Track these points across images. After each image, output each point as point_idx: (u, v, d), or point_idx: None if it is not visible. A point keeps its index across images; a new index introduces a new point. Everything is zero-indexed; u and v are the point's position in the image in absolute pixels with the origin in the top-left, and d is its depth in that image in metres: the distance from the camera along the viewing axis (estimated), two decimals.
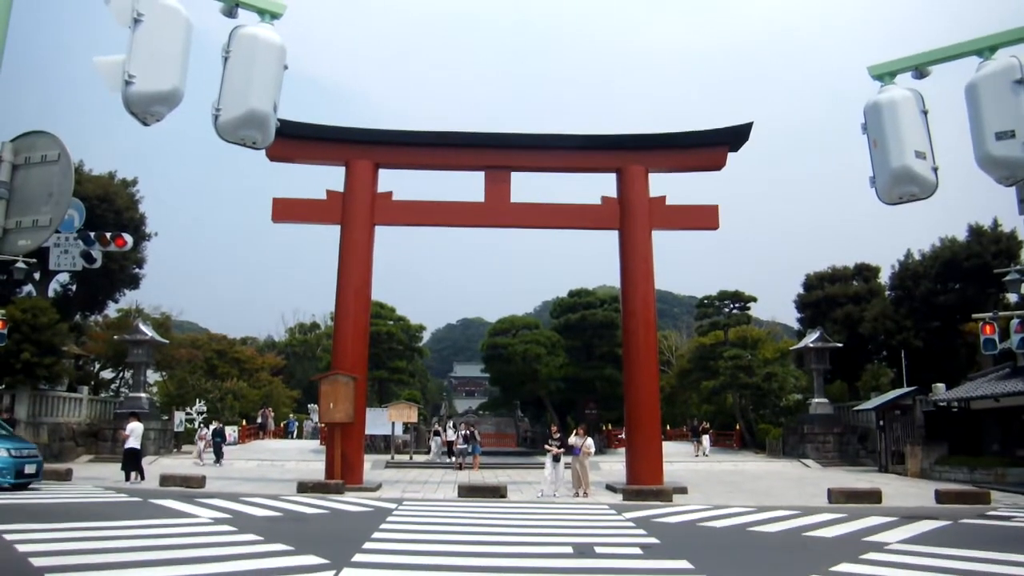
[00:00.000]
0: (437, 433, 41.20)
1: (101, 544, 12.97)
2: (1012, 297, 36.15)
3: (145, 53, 5.19)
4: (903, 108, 5.77)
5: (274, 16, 5.72)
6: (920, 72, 6.03)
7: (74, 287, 46.07)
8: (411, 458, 40.73)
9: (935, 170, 5.71)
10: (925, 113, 5.81)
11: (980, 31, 5.93)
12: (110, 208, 42.12)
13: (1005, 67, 5.48)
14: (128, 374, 48.05)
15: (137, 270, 47.89)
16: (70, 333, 41.96)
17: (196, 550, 12.69)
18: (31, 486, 22.63)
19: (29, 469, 22.49)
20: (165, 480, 25.39)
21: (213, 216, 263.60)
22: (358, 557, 12.29)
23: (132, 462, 27.14)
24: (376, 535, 15.00)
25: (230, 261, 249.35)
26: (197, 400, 47.51)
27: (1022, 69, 5.42)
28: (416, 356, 62.49)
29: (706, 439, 45.88)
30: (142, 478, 26.84)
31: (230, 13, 5.73)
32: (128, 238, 23.12)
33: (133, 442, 27.21)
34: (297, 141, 27.49)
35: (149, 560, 11.61)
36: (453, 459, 38.23)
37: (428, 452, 41.67)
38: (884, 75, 6.01)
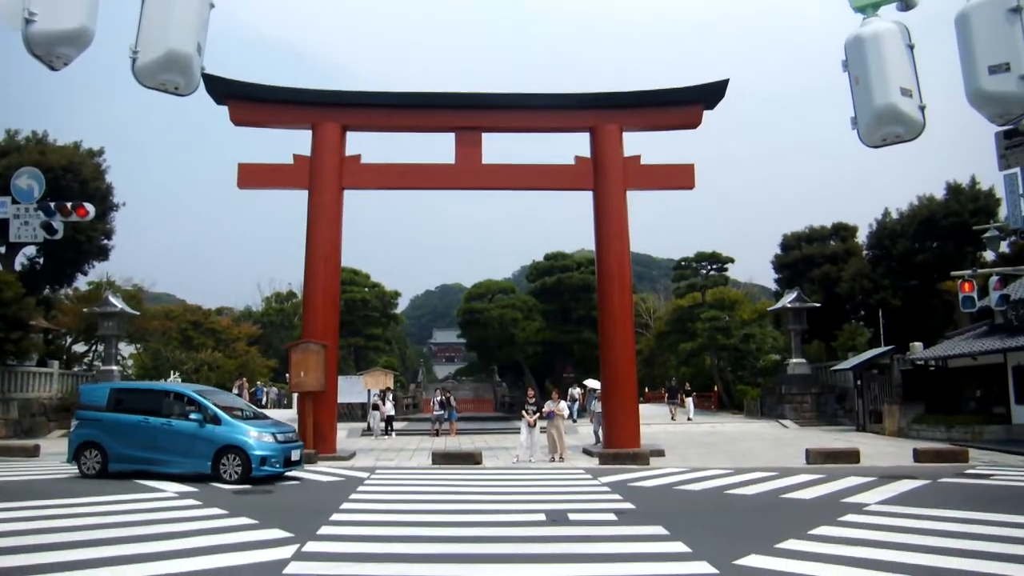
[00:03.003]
0: (376, 407, 36.47)
1: (59, 523, 12.54)
2: (989, 255, 36.08)
3: None
4: (887, 42, 5.32)
5: None
6: (906, 3, 5.59)
7: (41, 260, 45.09)
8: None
9: (922, 109, 5.27)
10: (911, 47, 5.36)
11: None
12: (75, 178, 41.14)
13: None
14: (101, 347, 47.40)
15: (106, 241, 46.93)
16: (38, 307, 41.19)
17: (156, 526, 12.28)
18: (292, 473, 20.18)
19: (295, 455, 19.84)
20: None
21: (187, 186, 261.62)
22: (324, 530, 11.93)
23: None
24: (345, 506, 14.66)
25: (207, 231, 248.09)
26: (172, 372, 46.90)
27: None
28: (392, 323, 62.12)
29: (690, 402, 45.60)
30: None
31: None
32: (90, 208, 22.59)
33: None
34: (262, 104, 26.83)
35: (104, 539, 11.18)
36: (392, 435, 35.32)
37: (368, 428, 37.01)
38: (867, 7, 5.56)
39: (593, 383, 30.27)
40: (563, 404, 25.08)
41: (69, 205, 22.43)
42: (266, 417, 21.56)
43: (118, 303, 41.88)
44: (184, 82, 5.05)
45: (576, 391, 42.08)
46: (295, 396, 33.11)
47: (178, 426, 19.12)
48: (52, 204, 22.16)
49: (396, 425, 38.35)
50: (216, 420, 19.05)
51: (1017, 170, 22.84)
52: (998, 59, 4.91)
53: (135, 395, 20.78)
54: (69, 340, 49.89)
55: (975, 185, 41.28)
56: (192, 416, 19.10)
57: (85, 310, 43.26)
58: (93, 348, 51.13)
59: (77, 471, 19.51)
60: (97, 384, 24.84)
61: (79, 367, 48.55)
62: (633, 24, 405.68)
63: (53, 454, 26.32)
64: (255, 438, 18.86)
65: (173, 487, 17.33)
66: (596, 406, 28.69)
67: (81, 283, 49.75)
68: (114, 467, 19.30)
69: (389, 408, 36.67)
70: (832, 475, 19.14)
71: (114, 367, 41.67)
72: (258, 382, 60.04)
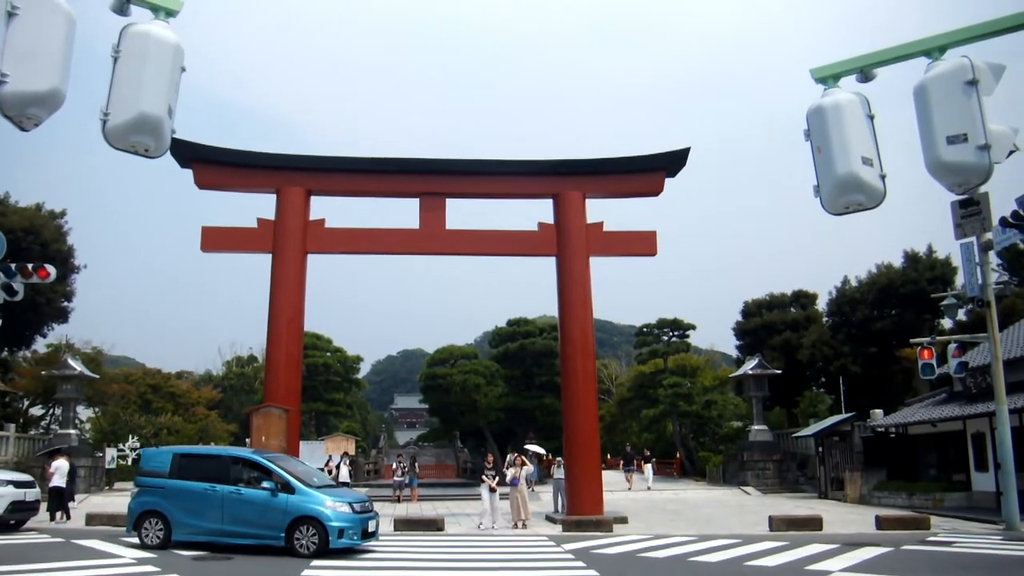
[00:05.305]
0: (330, 472, 35.21)
1: None
2: (947, 323, 36.55)
3: (20, 50, 4.68)
4: (848, 112, 5.46)
5: (169, 13, 5.25)
6: (865, 75, 5.74)
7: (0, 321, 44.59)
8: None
9: (883, 178, 5.40)
10: (871, 118, 5.50)
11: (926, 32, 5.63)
12: (36, 240, 40.94)
13: (956, 68, 5.21)
14: (58, 410, 46.67)
15: (66, 303, 46.64)
16: None
17: None
18: (370, 544, 18.52)
19: (371, 526, 18.22)
20: (91, 519, 24.35)
21: (148, 248, 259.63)
22: None
23: (57, 501, 26.09)
24: (307, 572, 14.41)
25: (168, 293, 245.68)
26: (130, 436, 46.15)
27: (974, 69, 5.15)
28: (354, 388, 61.80)
29: (648, 468, 45.18)
30: (68, 517, 25.79)
31: (122, 10, 5.25)
32: (51, 269, 22.39)
33: (58, 480, 26.17)
34: (227, 168, 26.82)
35: None
36: None
37: None
38: (827, 78, 5.70)
39: (535, 448, 30.33)
40: (528, 468, 24.94)
41: (30, 266, 22.22)
42: (337, 485, 20.60)
43: (77, 366, 41.30)
44: (154, 144, 5.07)
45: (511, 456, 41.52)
46: None
47: (248, 495, 17.87)
48: (13, 265, 21.96)
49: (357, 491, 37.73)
50: (289, 488, 17.67)
51: (973, 239, 23.28)
52: (956, 130, 5.06)
53: (200, 461, 19.46)
54: (26, 403, 49.14)
55: (932, 253, 42.07)
56: (264, 484, 17.85)
57: (43, 373, 42.66)
58: (51, 411, 50.35)
59: (138, 541, 18.34)
60: (160, 448, 23.39)
61: (36, 430, 47.78)
62: (600, 80, 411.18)
63: None
64: (331, 508, 17.39)
65: (131, 553, 16.95)
66: (555, 472, 28.63)
67: (40, 345, 49.25)
68: (178, 537, 18.11)
69: (344, 474, 35.99)
70: (795, 542, 19.09)
71: (72, 431, 40.94)
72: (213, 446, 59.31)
